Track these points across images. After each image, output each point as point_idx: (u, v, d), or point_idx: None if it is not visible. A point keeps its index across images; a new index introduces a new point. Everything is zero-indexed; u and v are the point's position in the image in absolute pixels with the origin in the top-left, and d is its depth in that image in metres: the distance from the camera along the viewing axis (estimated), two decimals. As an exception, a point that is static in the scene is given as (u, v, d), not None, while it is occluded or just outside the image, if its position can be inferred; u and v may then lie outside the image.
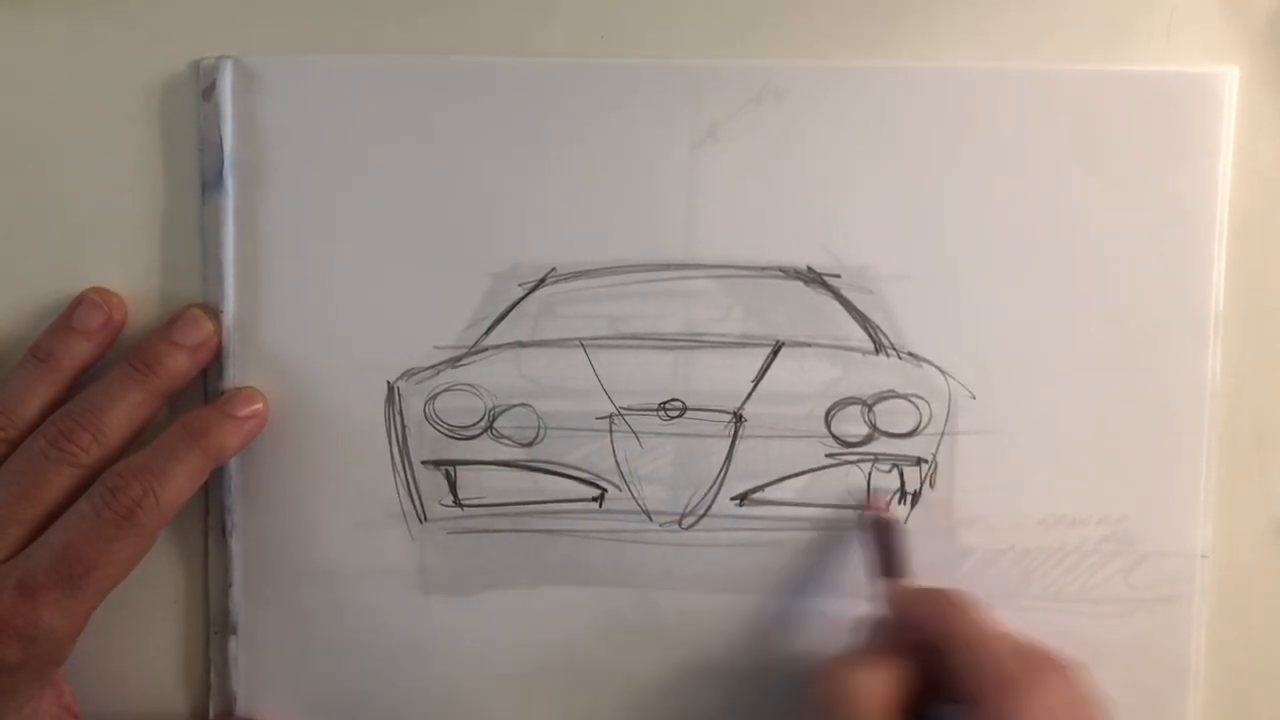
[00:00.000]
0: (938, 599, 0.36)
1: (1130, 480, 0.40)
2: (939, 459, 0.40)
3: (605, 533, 0.41)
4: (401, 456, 0.40)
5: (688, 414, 0.40)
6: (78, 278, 0.40)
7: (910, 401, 0.40)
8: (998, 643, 0.34)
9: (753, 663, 0.41)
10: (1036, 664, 0.33)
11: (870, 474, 0.40)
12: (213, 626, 0.41)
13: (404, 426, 0.40)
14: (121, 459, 0.37)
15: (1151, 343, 0.40)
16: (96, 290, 0.40)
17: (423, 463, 0.40)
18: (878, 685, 0.34)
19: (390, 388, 0.40)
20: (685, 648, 0.41)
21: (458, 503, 0.41)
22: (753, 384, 0.40)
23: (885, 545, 0.39)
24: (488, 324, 0.40)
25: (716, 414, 0.40)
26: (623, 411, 0.40)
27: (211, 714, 0.41)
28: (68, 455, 0.37)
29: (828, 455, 0.40)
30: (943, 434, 0.40)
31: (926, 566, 0.40)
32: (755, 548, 0.41)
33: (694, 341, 0.40)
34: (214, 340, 0.40)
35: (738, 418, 0.40)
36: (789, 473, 0.40)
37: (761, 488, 0.40)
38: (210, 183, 0.40)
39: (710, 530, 0.41)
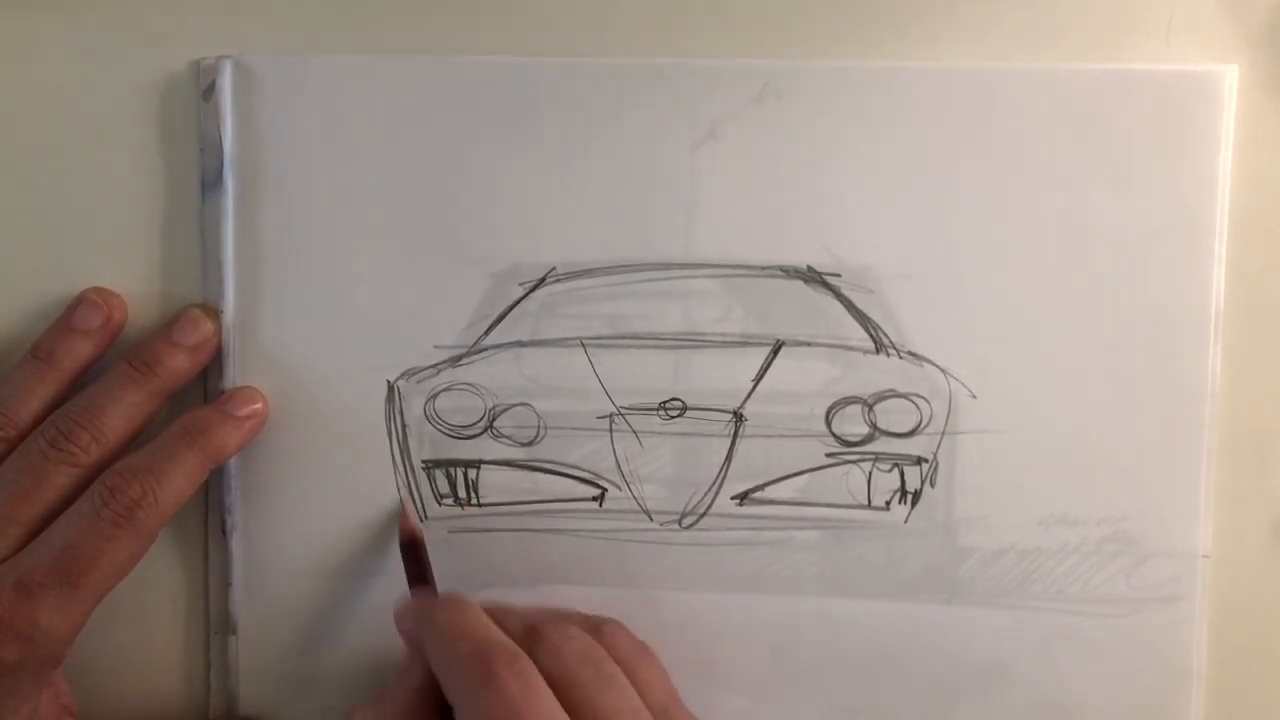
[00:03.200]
0: (418, 608, 0.35)
1: (1130, 480, 0.40)
2: (939, 458, 0.40)
3: (605, 532, 0.41)
4: (402, 456, 0.40)
5: (688, 413, 0.40)
6: (78, 278, 0.40)
7: (911, 401, 0.40)
8: (459, 645, 0.33)
9: (753, 662, 0.41)
10: (493, 659, 0.32)
11: (871, 473, 0.40)
12: (213, 626, 0.41)
13: (404, 426, 0.40)
14: (121, 459, 0.37)
15: (1151, 343, 0.40)
16: (96, 290, 0.40)
17: (423, 462, 0.40)
18: None
19: (390, 387, 0.40)
20: (684, 647, 0.41)
21: (458, 502, 0.41)
22: (753, 383, 0.40)
23: (408, 558, 0.39)
24: (488, 323, 0.40)
25: (716, 413, 0.40)
26: (623, 411, 0.40)
27: (211, 714, 0.41)
28: (67, 455, 0.37)
29: (828, 455, 0.40)
30: (943, 433, 0.40)
31: (927, 566, 0.40)
32: (755, 547, 0.41)
33: (694, 341, 0.40)
34: (214, 340, 0.40)
35: (738, 417, 0.40)
36: (789, 472, 0.40)
37: (762, 487, 0.40)
38: (210, 182, 0.40)
39: (710, 530, 0.41)
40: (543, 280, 0.40)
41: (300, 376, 0.40)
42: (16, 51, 0.40)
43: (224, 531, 0.41)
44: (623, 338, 0.40)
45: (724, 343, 0.40)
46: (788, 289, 0.40)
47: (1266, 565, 0.41)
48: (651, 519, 0.41)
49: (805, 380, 0.40)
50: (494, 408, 0.40)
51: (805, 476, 0.40)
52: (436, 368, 0.40)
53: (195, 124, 0.40)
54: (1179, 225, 0.40)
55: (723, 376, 0.40)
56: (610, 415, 0.40)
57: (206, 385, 0.41)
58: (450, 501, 0.41)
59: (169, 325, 0.40)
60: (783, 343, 0.40)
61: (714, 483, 0.40)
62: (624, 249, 0.40)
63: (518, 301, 0.40)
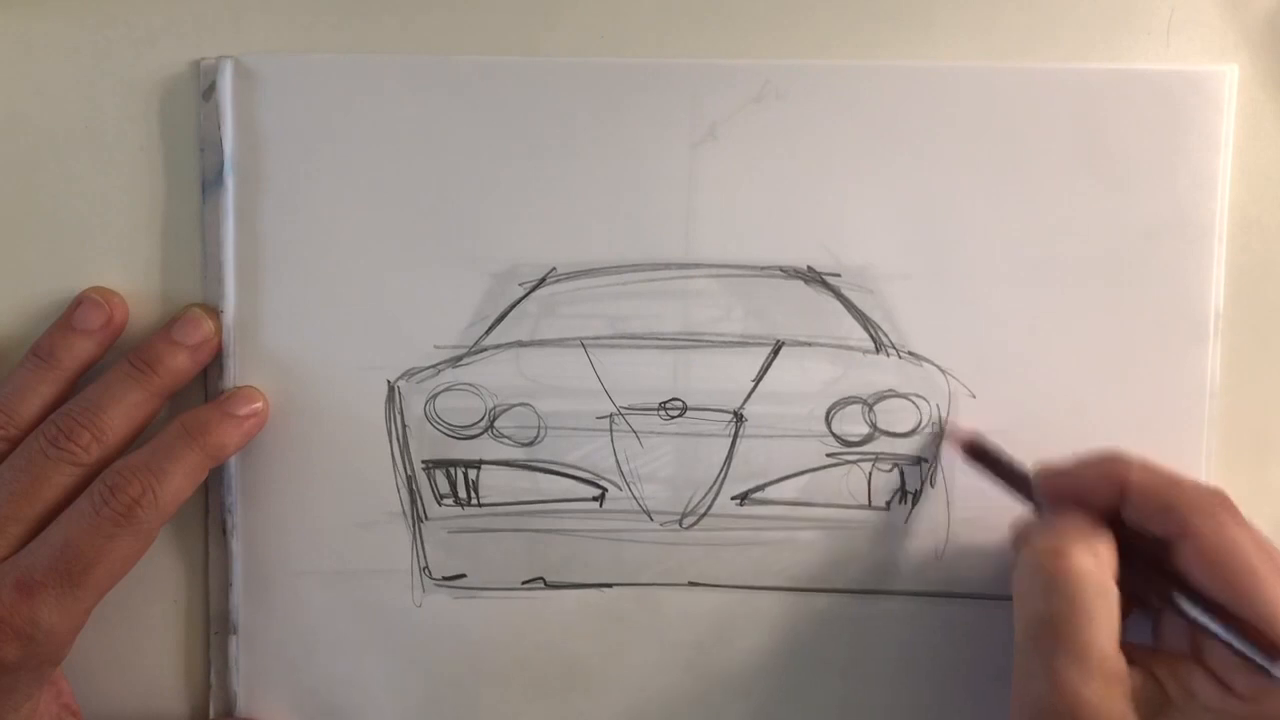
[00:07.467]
0: (1104, 463, 0.36)
1: (1130, 480, 0.40)
2: (939, 458, 0.40)
3: (605, 532, 0.41)
4: (402, 456, 0.40)
5: (688, 413, 0.40)
6: (78, 277, 0.40)
7: (910, 401, 0.40)
8: (1183, 482, 0.35)
9: (754, 663, 0.41)
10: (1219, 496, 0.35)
11: (871, 473, 0.40)
12: (213, 626, 0.41)
13: (404, 426, 0.40)
14: (121, 457, 0.37)
15: (1151, 343, 0.40)
16: (97, 289, 0.40)
17: (423, 462, 0.40)
18: (1097, 560, 0.34)
19: (391, 387, 0.40)
20: (685, 648, 0.41)
21: (458, 502, 0.41)
22: (753, 383, 0.40)
23: (990, 463, 0.39)
24: (488, 324, 0.40)
25: (717, 413, 0.40)
26: (623, 411, 0.40)
27: (211, 714, 0.41)
28: (68, 454, 0.37)
29: (828, 455, 0.40)
30: (943, 433, 0.40)
31: (927, 566, 0.40)
32: (756, 547, 0.41)
33: (694, 341, 0.40)
34: (214, 339, 0.40)
35: (738, 417, 0.40)
36: (789, 472, 0.40)
37: (762, 487, 0.40)
38: (210, 182, 0.40)
39: (710, 530, 0.41)
40: (543, 280, 0.40)
41: (300, 376, 0.40)
42: (16, 51, 0.40)
43: (224, 531, 0.41)
44: (623, 338, 0.40)
45: (724, 343, 0.40)
46: (787, 289, 0.40)
47: (1266, 565, 0.41)
48: (652, 519, 0.41)
49: (805, 380, 0.40)
50: (494, 408, 0.40)
51: (805, 477, 0.40)
52: (436, 368, 0.40)
53: (195, 124, 0.40)
54: (1178, 225, 0.40)
55: (723, 376, 0.40)
56: (610, 415, 0.40)
57: (207, 384, 0.41)
58: (450, 501, 0.41)
59: (170, 325, 0.40)
60: (783, 343, 0.40)
61: (714, 483, 0.40)
62: (624, 249, 0.40)
63: (518, 301, 0.40)
